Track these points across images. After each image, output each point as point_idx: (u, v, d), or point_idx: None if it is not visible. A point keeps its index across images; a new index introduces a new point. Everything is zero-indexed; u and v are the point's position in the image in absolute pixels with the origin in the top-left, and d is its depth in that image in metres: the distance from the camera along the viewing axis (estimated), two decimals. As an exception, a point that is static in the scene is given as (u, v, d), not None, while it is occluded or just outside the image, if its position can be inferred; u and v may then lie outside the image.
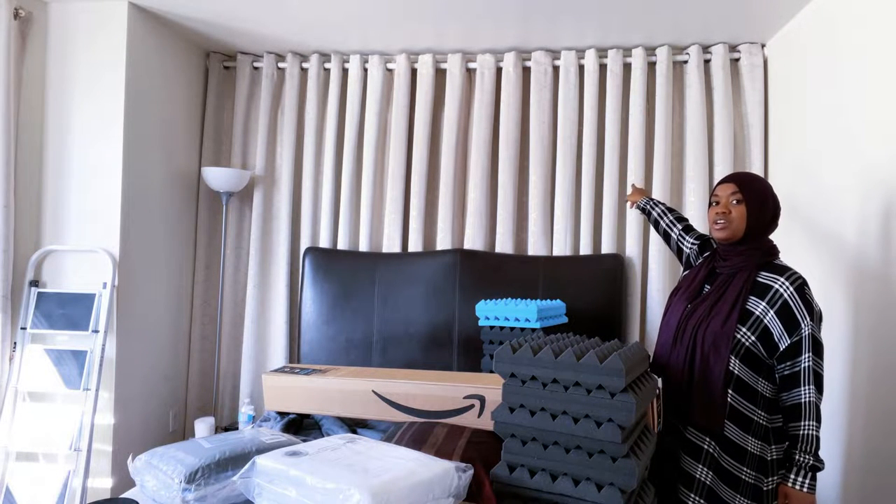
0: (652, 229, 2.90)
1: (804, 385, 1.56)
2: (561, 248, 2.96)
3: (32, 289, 2.60)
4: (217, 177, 2.98)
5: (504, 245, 3.01)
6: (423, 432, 1.90)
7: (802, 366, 1.57)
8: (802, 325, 1.57)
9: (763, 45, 2.89)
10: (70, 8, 2.67)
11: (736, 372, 1.62)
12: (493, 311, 2.41)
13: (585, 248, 2.95)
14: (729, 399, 1.63)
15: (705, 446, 1.67)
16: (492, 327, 2.43)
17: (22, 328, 2.56)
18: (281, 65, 3.22)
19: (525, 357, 1.49)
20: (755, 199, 1.66)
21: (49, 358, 2.54)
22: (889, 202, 1.90)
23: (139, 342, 2.81)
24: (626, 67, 3.01)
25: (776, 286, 1.61)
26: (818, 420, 1.56)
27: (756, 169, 2.86)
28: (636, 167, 2.91)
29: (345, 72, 3.21)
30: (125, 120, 2.67)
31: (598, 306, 2.79)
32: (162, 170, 2.95)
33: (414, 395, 2.15)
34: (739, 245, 1.69)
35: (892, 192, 1.89)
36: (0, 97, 2.42)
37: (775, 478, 1.63)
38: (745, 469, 1.62)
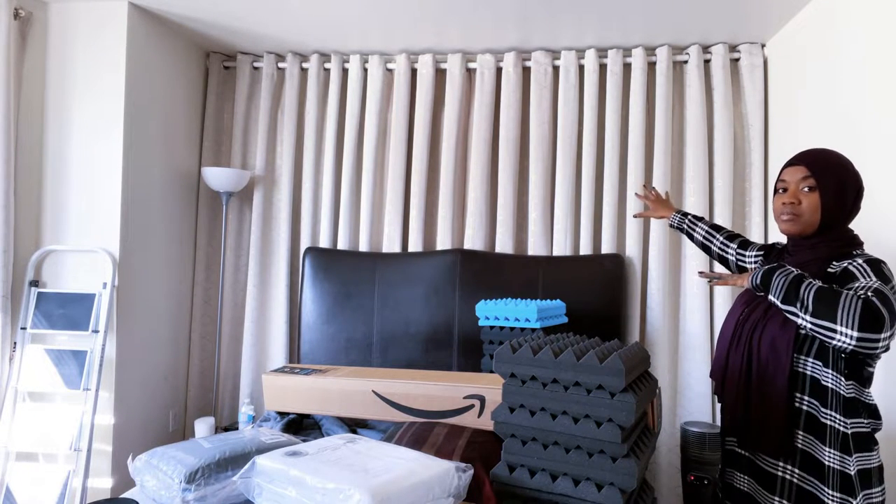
0: (654, 230, 2.90)
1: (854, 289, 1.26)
2: (561, 248, 2.96)
3: (32, 289, 2.60)
4: (217, 177, 2.98)
5: (504, 245, 3.01)
6: (423, 432, 1.90)
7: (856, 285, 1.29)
8: (863, 280, 1.29)
9: (763, 45, 2.89)
10: (70, 8, 2.67)
11: (808, 373, 1.38)
12: (493, 311, 2.41)
13: (585, 248, 2.95)
14: (805, 406, 1.38)
15: (779, 473, 1.41)
16: (492, 327, 2.43)
17: (22, 328, 2.56)
18: (281, 65, 3.22)
19: (525, 357, 1.49)
20: (831, 184, 1.38)
21: (49, 358, 2.54)
22: (889, 201, 1.90)
23: (139, 342, 2.81)
24: (626, 67, 3.01)
25: (845, 264, 1.36)
26: (829, 296, 1.23)
27: (756, 169, 2.86)
28: (636, 167, 2.91)
29: (345, 72, 3.21)
30: (125, 120, 2.67)
31: (598, 306, 2.79)
32: (162, 170, 2.95)
33: (414, 395, 2.15)
34: (812, 238, 1.44)
35: (891, 190, 1.89)
36: (0, 97, 2.42)
37: (861, 496, 1.33)
38: (825, 490, 1.34)
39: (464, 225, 3.11)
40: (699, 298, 2.83)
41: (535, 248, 2.99)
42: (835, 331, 1.23)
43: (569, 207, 2.96)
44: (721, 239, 1.80)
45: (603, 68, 3.02)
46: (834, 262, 1.39)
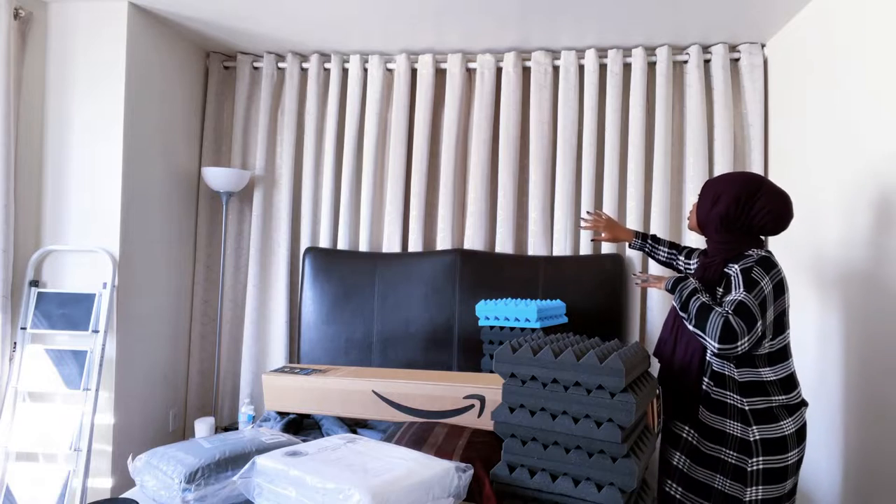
0: (653, 230, 2.90)
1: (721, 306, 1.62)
2: (561, 248, 2.96)
3: (32, 289, 2.60)
4: (217, 177, 2.98)
5: (504, 245, 3.01)
6: (423, 432, 1.90)
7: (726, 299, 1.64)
8: (734, 292, 1.62)
9: (763, 45, 2.89)
10: (70, 8, 2.67)
11: (709, 359, 1.71)
12: (493, 311, 2.41)
13: (585, 248, 2.95)
14: (704, 387, 1.71)
15: (684, 434, 1.77)
16: (492, 327, 2.43)
17: (22, 328, 2.56)
18: (281, 65, 3.22)
19: (525, 357, 1.49)
20: (703, 195, 1.80)
21: (49, 358, 2.54)
22: (889, 201, 1.90)
23: (139, 342, 2.81)
24: (626, 67, 3.01)
25: (730, 269, 1.69)
26: (704, 312, 1.59)
27: (756, 169, 2.86)
28: (636, 167, 2.91)
29: (345, 72, 3.21)
30: (125, 120, 2.67)
31: (598, 306, 2.79)
32: (162, 170, 2.95)
33: (414, 395, 2.15)
34: (714, 238, 1.79)
35: (892, 190, 1.89)
36: (0, 97, 2.42)
37: (760, 459, 1.65)
38: (724, 450, 1.68)
39: (464, 225, 3.11)
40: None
41: (535, 248, 2.99)
42: (705, 339, 1.60)
43: (569, 207, 2.96)
44: (682, 259, 2.10)
45: (603, 68, 3.02)
46: (731, 264, 1.70)
